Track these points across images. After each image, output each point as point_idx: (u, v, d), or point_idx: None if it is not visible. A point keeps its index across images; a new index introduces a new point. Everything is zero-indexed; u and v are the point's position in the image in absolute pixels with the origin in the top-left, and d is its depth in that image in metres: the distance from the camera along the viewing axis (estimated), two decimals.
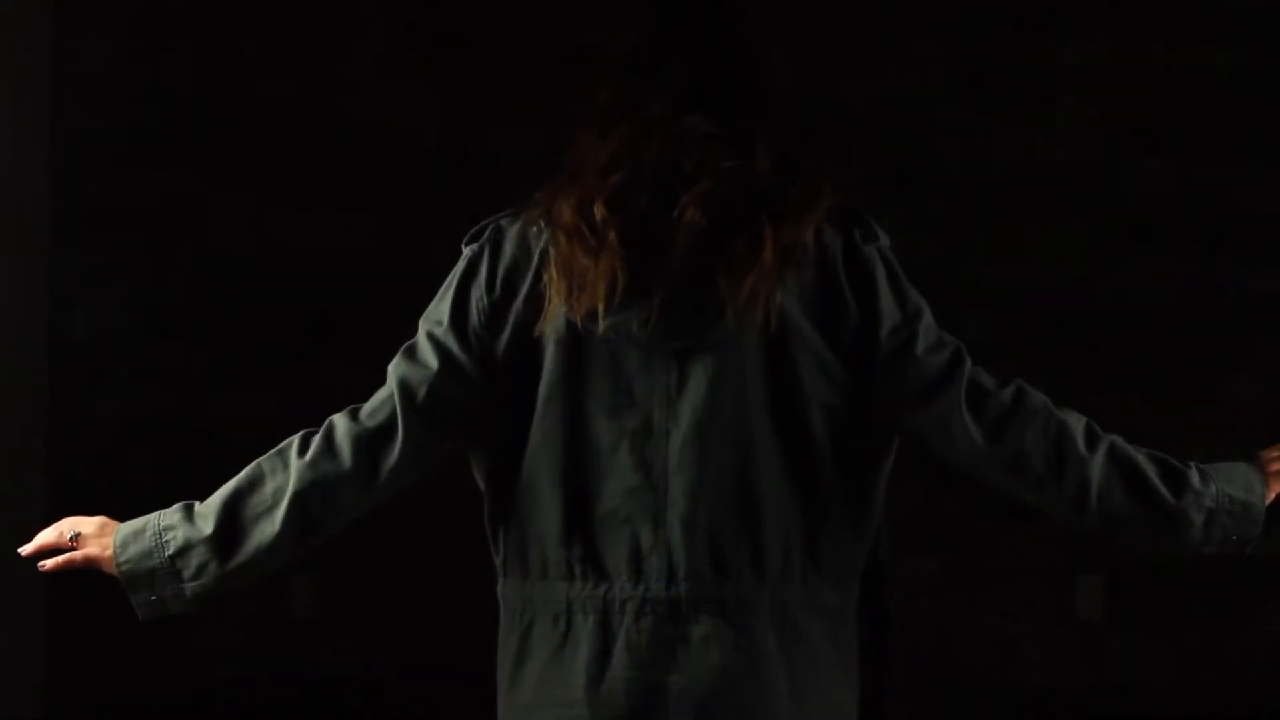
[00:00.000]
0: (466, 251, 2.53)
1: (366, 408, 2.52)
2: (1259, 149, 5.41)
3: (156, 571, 2.52)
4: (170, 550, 2.51)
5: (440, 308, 2.51)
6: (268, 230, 5.48)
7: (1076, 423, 2.52)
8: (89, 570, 2.56)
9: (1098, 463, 2.50)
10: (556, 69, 5.38)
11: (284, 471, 2.50)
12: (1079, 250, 5.42)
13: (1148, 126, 5.42)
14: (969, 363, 2.51)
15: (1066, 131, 5.43)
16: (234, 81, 5.48)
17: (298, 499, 2.49)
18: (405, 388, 2.49)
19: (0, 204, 5.23)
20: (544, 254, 2.46)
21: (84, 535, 2.55)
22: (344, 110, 5.49)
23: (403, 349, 2.53)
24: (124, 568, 2.52)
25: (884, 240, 2.53)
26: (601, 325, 2.42)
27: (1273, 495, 2.58)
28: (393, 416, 2.49)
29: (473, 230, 2.54)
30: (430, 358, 2.50)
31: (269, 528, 2.49)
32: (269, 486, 2.50)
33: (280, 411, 5.28)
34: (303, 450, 2.50)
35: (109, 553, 2.53)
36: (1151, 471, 2.52)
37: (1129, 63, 5.41)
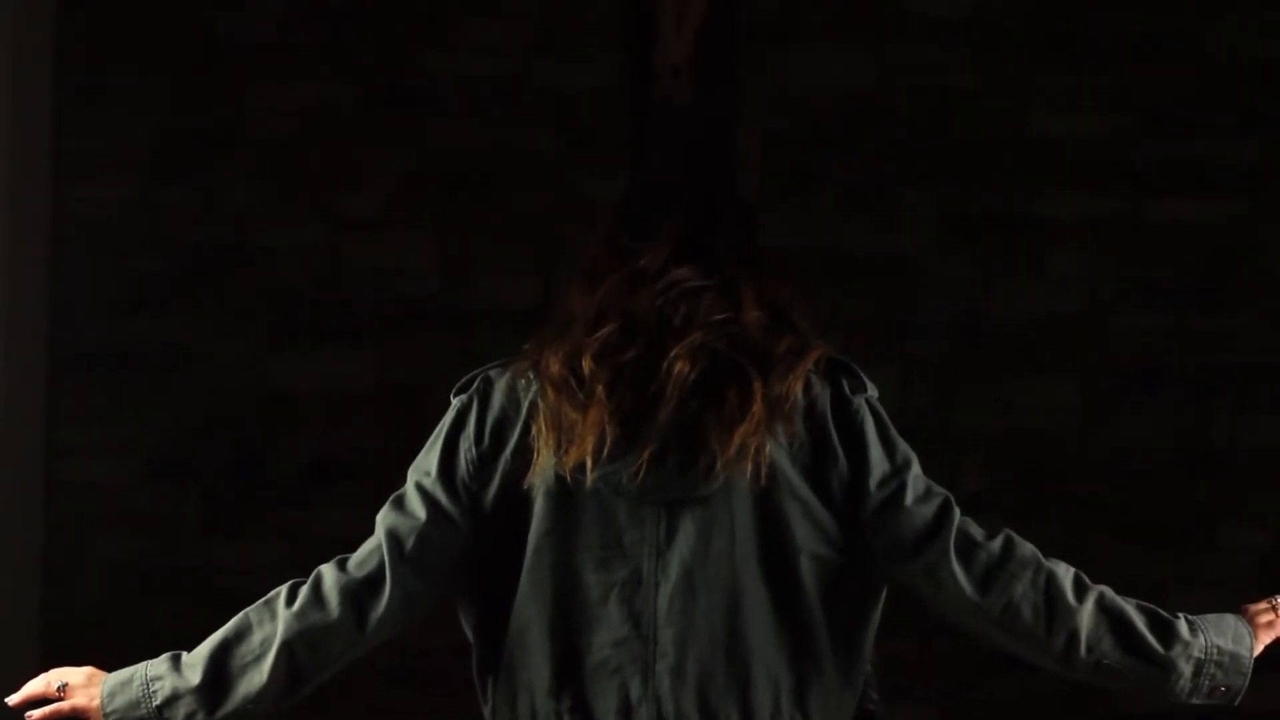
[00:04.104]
0: (455, 402, 2.55)
1: (354, 558, 2.53)
2: (1251, 300, 5.43)
3: None
4: (158, 700, 2.51)
5: (429, 458, 2.53)
6: (266, 376, 5.50)
7: (1065, 573, 2.52)
8: None
9: (1086, 613, 2.50)
10: (555, 219, 5.43)
11: (271, 622, 2.51)
12: (1072, 400, 5.43)
13: (1140, 278, 5.44)
14: (958, 513, 2.52)
15: (1058, 282, 5.45)
16: (233, 227, 5.51)
17: (285, 649, 2.49)
18: (393, 538, 2.51)
19: None
20: (532, 406, 2.48)
21: (71, 685, 2.55)
22: (343, 257, 5.52)
23: (391, 499, 2.54)
24: (112, 718, 2.52)
25: (872, 391, 2.55)
26: (590, 478, 2.44)
27: (1261, 648, 2.58)
28: (381, 567, 2.50)
29: (461, 381, 2.56)
30: (419, 508, 2.51)
31: (256, 678, 2.49)
32: (256, 637, 2.51)
33: (276, 558, 5.29)
34: (290, 600, 2.51)
35: (96, 703, 2.53)
36: (1140, 622, 2.52)
37: (1120, 214, 5.45)
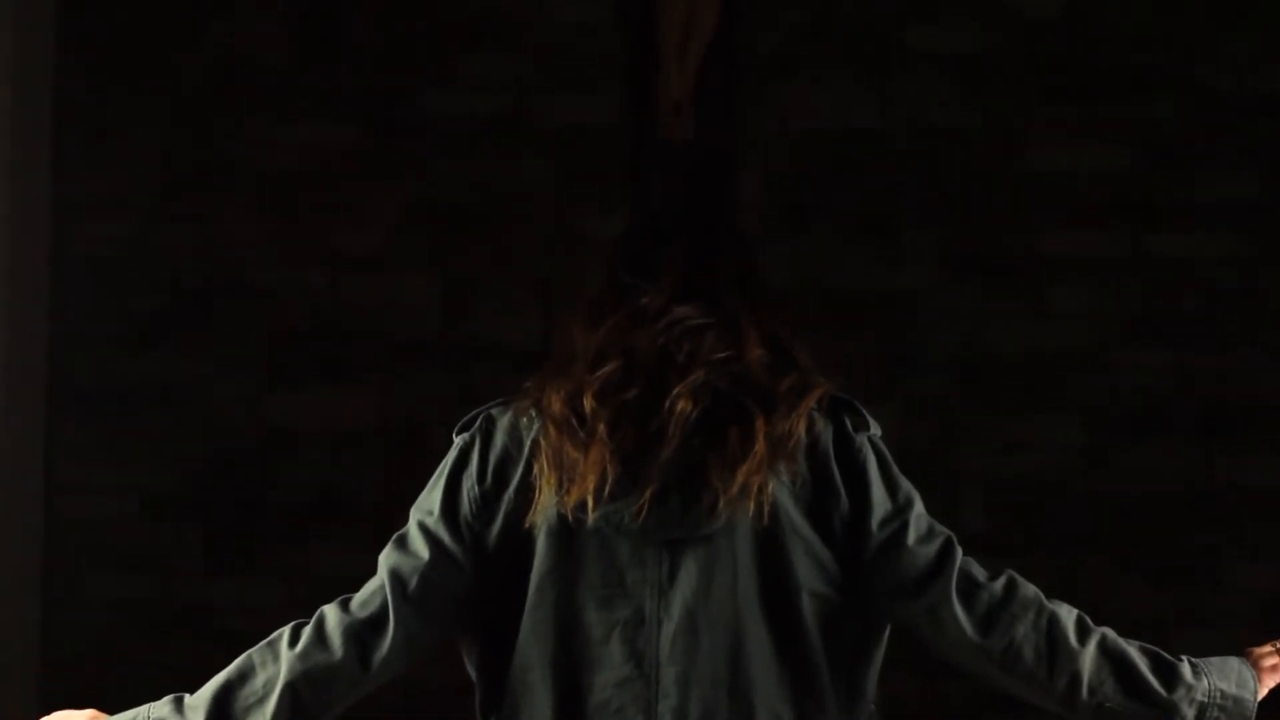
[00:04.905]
0: (458, 441, 2.54)
1: (357, 598, 2.53)
2: (1253, 336, 5.42)
3: None
4: None
5: (431, 497, 2.53)
6: (266, 414, 5.49)
7: (1068, 615, 2.52)
8: None
9: (1089, 655, 2.50)
10: (555, 255, 5.43)
11: (275, 663, 2.50)
12: (1073, 438, 5.42)
13: (1142, 315, 5.44)
14: (960, 553, 2.52)
15: (1060, 320, 5.45)
16: (233, 264, 5.51)
17: (289, 690, 2.48)
18: (396, 578, 2.50)
19: None
20: (535, 445, 2.48)
21: None
22: (343, 293, 5.52)
23: (394, 539, 2.54)
24: None
25: (875, 429, 2.54)
26: (592, 517, 2.43)
27: (1265, 691, 2.58)
28: (384, 607, 2.50)
29: (464, 419, 2.56)
30: (421, 548, 2.50)
31: None
32: (260, 678, 2.50)
33: (277, 596, 5.28)
34: (293, 641, 2.51)
35: None
36: (1143, 664, 2.52)
37: (1121, 250, 5.45)
